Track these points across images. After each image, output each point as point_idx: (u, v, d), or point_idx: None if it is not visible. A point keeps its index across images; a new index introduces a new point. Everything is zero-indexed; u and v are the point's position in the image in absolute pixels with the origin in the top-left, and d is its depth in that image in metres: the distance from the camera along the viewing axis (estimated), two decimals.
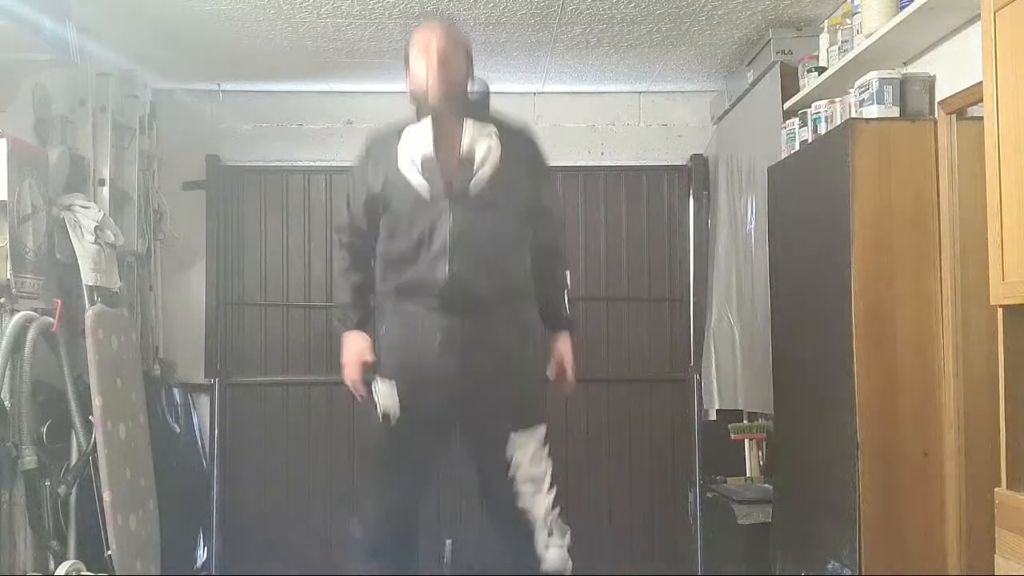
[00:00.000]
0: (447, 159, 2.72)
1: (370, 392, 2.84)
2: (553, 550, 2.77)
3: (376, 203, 2.82)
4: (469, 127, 2.76)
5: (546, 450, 2.79)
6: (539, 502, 2.77)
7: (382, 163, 2.81)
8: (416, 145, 2.75)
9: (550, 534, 2.78)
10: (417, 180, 2.72)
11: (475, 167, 2.71)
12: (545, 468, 2.78)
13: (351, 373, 2.90)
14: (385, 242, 2.82)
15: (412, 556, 2.91)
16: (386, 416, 2.76)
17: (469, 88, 2.85)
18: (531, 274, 2.93)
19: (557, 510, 2.81)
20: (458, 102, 2.77)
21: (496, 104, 5.43)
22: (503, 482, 2.75)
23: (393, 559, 2.84)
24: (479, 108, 2.85)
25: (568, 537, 2.83)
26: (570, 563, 2.83)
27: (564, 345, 2.98)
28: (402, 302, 2.78)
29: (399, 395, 2.74)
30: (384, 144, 2.85)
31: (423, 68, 2.74)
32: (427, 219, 2.70)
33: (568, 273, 3.08)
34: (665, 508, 5.02)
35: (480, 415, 2.76)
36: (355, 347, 2.92)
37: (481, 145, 2.74)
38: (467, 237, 2.68)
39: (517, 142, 2.86)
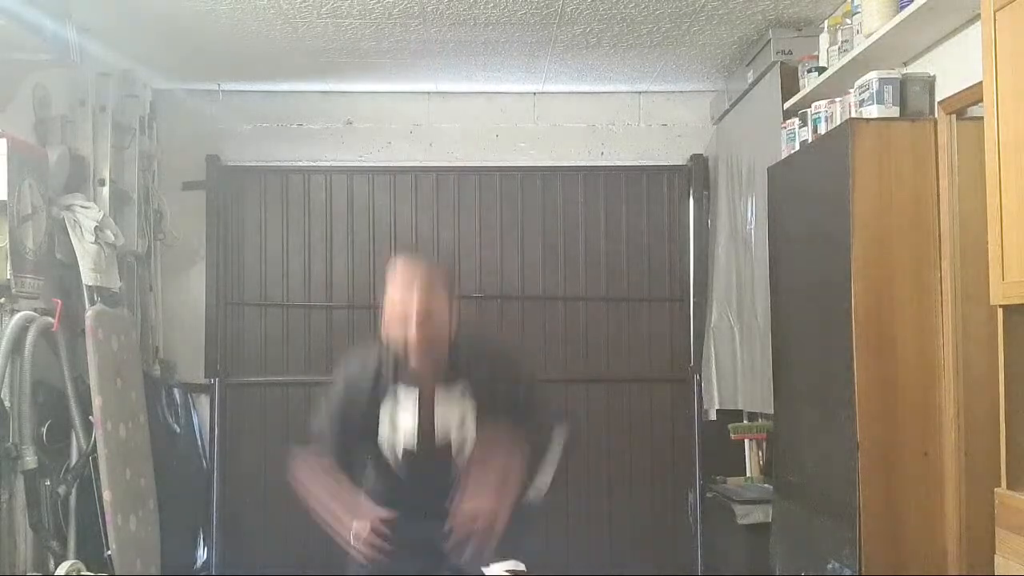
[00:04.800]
0: (422, 425, 2.56)
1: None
2: None
3: (348, 431, 2.66)
4: (442, 392, 2.56)
5: None
6: None
7: (360, 404, 2.61)
8: (392, 427, 2.58)
9: None
10: (392, 449, 2.58)
11: (451, 433, 2.55)
12: None
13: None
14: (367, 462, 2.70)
15: None
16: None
17: (451, 335, 2.56)
18: None
19: None
20: (437, 363, 2.55)
21: (496, 104, 5.45)
22: None
23: None
24: (455, 368, 2.59)
25: None
26: None
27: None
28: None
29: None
30: (363, 384, 2.62)
31: (400, 327, 2.46)
32: (402, 472, 2.60)
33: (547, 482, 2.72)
34: (665, 508, 5.02)
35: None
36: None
37: (455, 414, 2.56)
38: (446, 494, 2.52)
39: (491, 371, 2.63)
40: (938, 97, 3.17)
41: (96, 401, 3.54)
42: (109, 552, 3.51)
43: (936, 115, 3.16)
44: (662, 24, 4.02)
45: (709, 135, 5.09)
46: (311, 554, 4.83)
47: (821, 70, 3.64)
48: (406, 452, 2.57)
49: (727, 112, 4.76)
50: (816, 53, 3.74)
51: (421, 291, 2.47)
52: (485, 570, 2.55)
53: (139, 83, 4.61)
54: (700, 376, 4.95)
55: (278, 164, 5.09)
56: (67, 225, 3.85)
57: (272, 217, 5.08)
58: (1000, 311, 2.33)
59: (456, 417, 2.58)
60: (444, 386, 2.58)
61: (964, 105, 3.03)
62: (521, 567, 2.57)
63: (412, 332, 2.45)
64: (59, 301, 3.64)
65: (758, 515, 4.14)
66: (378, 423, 2.59)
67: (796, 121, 3.78)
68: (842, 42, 3.50)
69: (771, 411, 3.92)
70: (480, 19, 3.95)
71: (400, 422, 2.58)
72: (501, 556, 2.58)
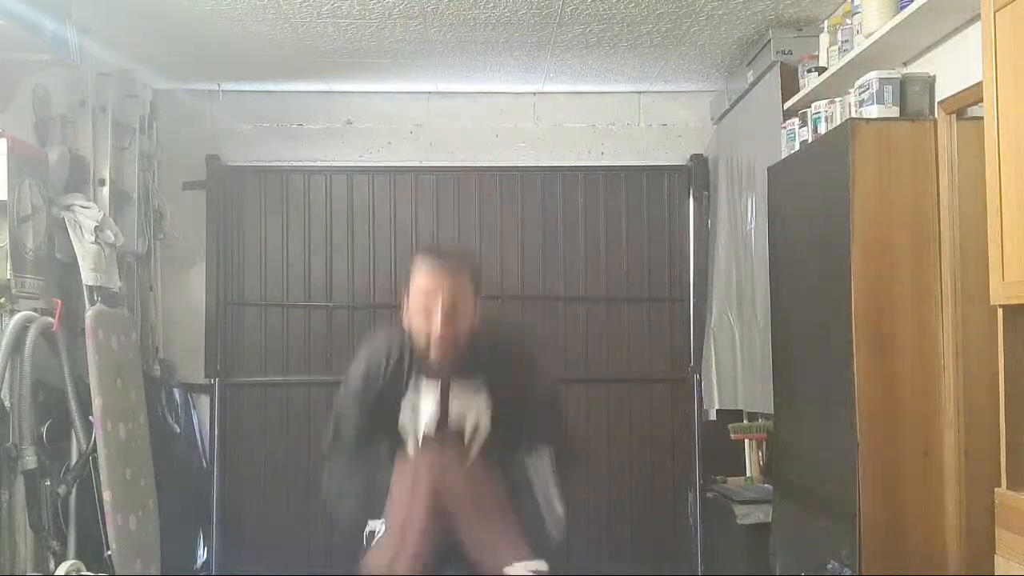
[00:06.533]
0: (440, 435, 2.59)
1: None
2: None
3: (372, 413, 2.69)
4: (458, 385, 2.59)
5: None
6: None
7: (384, 389, 2.65)
8: (413, 412, 2.61)
9: None
10: (411, 449, 2.62)
11: (467, 440, 2.59)
12: None
13: None
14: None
15: None
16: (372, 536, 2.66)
17: (473, 331, 2.58)
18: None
19: None
20: (457, 364, 2.58)
21: (496, 104, 5.45)
22: None
23: None
24: (473, 361, 2.61)
25: None
26: None
27: None
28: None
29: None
30: (388, 374, 2.65)
31: (423, 325, 2.51)
32: (414, 480, 2.60)
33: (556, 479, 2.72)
34: (665, 508, 5.03)
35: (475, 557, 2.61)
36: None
37: (472, 407, 2.60)
38: (455, 502, 2.58)
39: (508, 367, 2.67)
40: (938, 97, 3.17)
41: (96, 401, 3.54)
42: (109, 552, 3.51)
43: (936, 115, 3.16)
44: (662, 24, 4.02)
45: (709, 135, 5.09)
46: (311, 554, 4.85)
47: (821, 70, 3.64)
48: (425, 439, 2.58)
49: (727, 112, 4.76)
50: (816, 53, 3.74)
51: (447, 290, 2.50)
52: (508, 570, 2.55)
53: (139, 83, 4.61)
54: (700, 376, 4.95)
55: (278, 164, 5.09)
56: (67, 225, 3.85)
57: (272, 217, 5.08)
58: (1000, 311, 2.33)
59: (472, 412, 2.60)
60: (461, 380, 2.60)
61: (964, 105, 3.02)
62: (544, 567, 2.58)
63: (435, 329, 2.49)
64: (59, 301, 3.64)
65: (758, 515, 4.14)
66: (398, 409, 2.60)
67: (796, 121, 3.78)
68: (842, 42, 3.50)
69: (771, 411, 3.92)
70: (480, 19, 3.94)
71: (417, 413, 2.59)
72: (524, 556, 2.58)
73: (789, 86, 3.93)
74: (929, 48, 3.24)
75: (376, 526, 2.67)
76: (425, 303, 2.51)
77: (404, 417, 2.62)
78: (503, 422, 2.64)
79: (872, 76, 3.20)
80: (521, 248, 5.08)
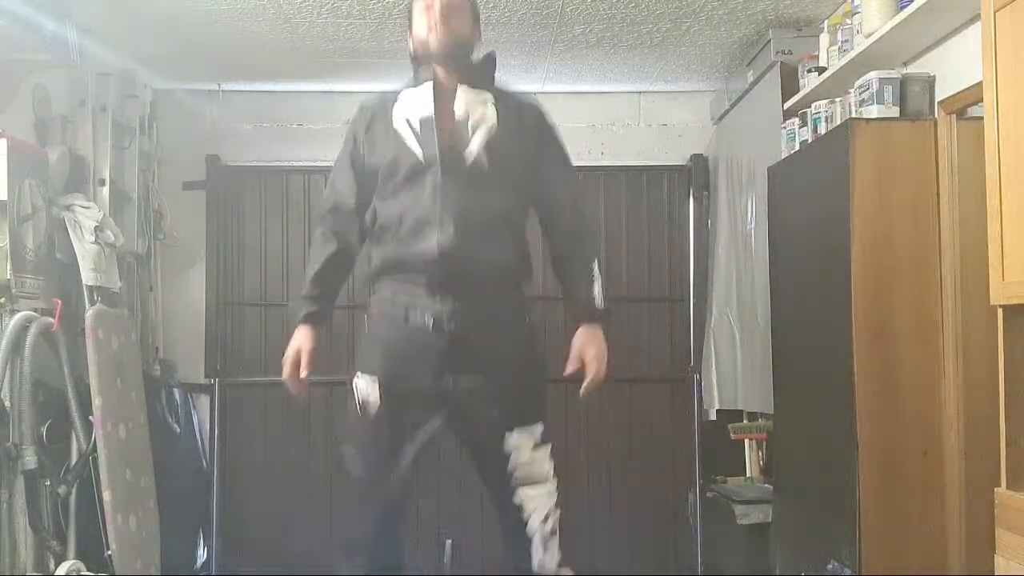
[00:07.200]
0: (444, 122, 2.56)
1: (302, 389, 2.88)
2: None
3: (365, 171, 2.66)
4: (465, 90, 2.60)
5: (546, 450, 2.62)
6: (539, 505, 2.60)
7: (375, 127, 2.65)
8: (414, 107, 2.59)
9: (545, 549, 2.59)
10: (412, 143, 2.56)
11: (471, 132, 2.55)
12: (547, 470, 2.61)
13: (285, 371, 2.87)
14: (373, 215, 2.66)
15: (397, 556, 2.74)
16: (364, 407, 2.61)
17: (475, 50, 2.68)
18: (551, 258, 2.89)
19: (553, 522, 2.62)
20: (460, 60, 2.62)
21: None
22: (501, 481, 2.60)
23: (375, 559, 2.69)
24: (481, 74, 2.67)
25: (559, 562, 2.63)
26: None
27: (586, 336, 2.72)
28: (388, 283, 2.65)
29: (381, 389, 2.60)
30: (379, 109, 2.67)
31: (424, 22, 2.59)
32: (419, 187, 2.54)
33: (597, 260, 2.87)
34: (665, 508, 5.02)
35: (471, 411, 2.59)
36: (296, 344, 2.88)
37: (477, 111, 2.58)
38: (460, 208, 2.53)
39: (519, 112, 2.69)
40: (938, 97, 3.17)
41: (96, 401, 3.53)
42: (109, 552, 3.51)
43: (936, 115, 3.16)
44: (662, 24, 4.02)
45: (709, 135, 5.09)
46: (311, 554, 4.84)
47: (821, 70, 3.65)
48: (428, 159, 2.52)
49: (727, 112, 4.76)
50: (816, 53, 3.75)
51: None
52: (508, 435, 2.56)
53: (139, 83, 4.62)
54: (700, 376, 4.95)
55: (278, 164, 5.09)
56: (67, 225, 3.85)
57: (272, 217, 5.08)
58: (1000, 311, 2.33)
59: (476, 118, 2.57)
60: (468, 85, 2.60)
61: (964, 105, 3.03)
62: (539, 430, 2.61)
63: (436, 10, 2.55)
64: (59, 301, 3.64)
65: (758, 515, 4.14)
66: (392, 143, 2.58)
67: (796, 121, 3.78)
68: (842, 42, 3.50)
69: (771, 411, 3.92)
70: (480, 19, 3.94)
71: (420, 117, 2.56)
72: (524, 420, 2.60)
73: (789, 86, 3.93)
74: (929, 48, 3.24)
75: (364, 397, 2.62)
76: (425, 3, 2.58)
77: (396, 144, 2.57)
78: (511, 143, 2.61)
79: (872, 76, 3.20)
80: None
